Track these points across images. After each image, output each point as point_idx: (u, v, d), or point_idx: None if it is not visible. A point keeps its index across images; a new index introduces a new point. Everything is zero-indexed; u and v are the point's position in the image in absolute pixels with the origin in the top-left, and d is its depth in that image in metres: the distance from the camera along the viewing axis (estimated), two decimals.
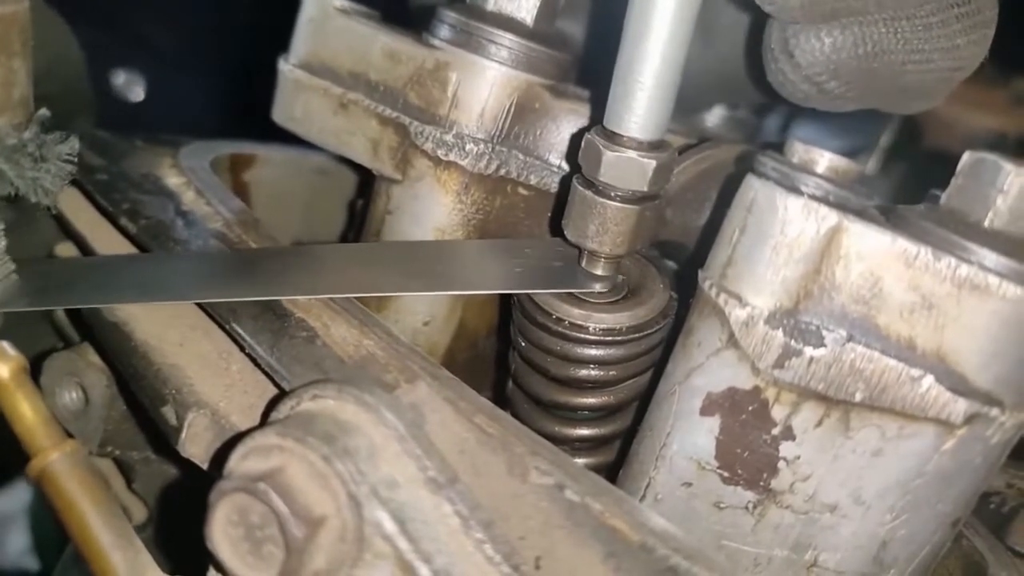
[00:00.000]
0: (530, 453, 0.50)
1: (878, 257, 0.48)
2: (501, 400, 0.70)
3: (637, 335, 0.63)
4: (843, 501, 0.51)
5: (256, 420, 0.56)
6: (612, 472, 0.63)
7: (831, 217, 0.48)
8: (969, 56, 0.60)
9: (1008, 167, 0.48)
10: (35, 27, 0.86)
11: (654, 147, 0.59)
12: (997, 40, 0.63)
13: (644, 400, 0.60)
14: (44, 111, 0.61)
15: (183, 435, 0.57)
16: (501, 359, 0.78)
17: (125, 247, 0.74)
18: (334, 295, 0.62)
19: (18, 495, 1.64)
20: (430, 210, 0.74)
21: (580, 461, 0.65)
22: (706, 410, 0.53)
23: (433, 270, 0.67)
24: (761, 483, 0.53)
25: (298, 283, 0.63)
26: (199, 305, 0.64)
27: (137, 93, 1.65)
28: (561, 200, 0.66)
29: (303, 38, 0.78)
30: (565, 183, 0.70)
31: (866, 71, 0.58)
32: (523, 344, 0.66)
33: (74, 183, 0.76)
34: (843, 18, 0.56)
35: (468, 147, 0.71)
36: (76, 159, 0.63)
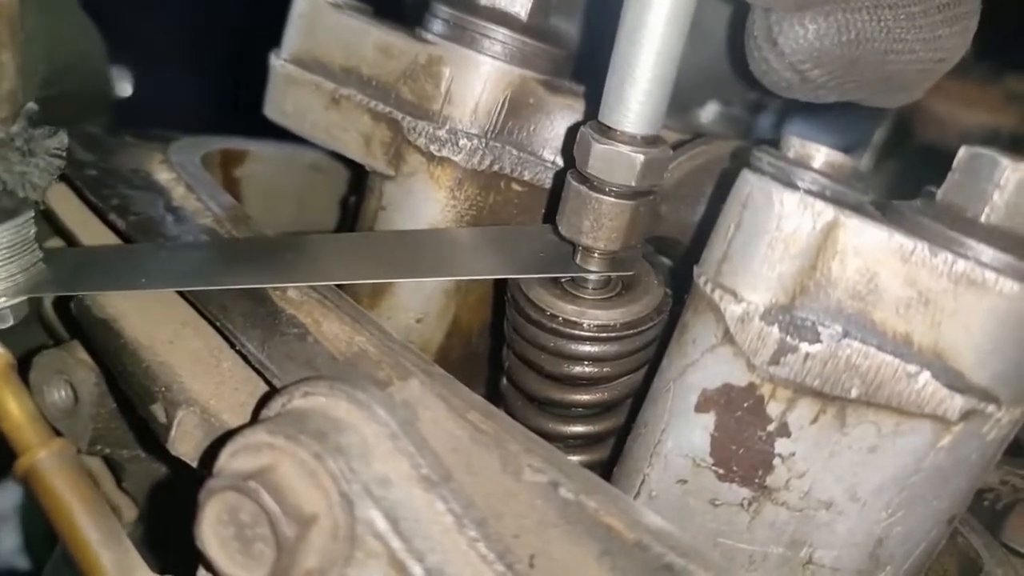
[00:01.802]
0: (524, 450, 0.49)
1: (874, 252, 0.47)
2: (495, 397, 0.70)
3: (631, 331, 0.63)
4: (839, 498, 0.51)
5: (247, 418, 0.56)
6: (607, 469, 0.63)
7: (827, 212, 0.48)
8: (951, 47, 0.60)
9: (1005, 162, 0.48)
10: (61, 25, 0.85)
11: (648, 142, 0.59)
12: (991, 38, 0.62)
13: (639, 397, 0.60)
14: (32, 105, 0.61)
15: (173, 433, 0.56)
16: (495, 356, 0.77)
17: (114, 243, 0.73)
18: (321, 283, 0.62)
19: (9, 495, 1.63)
20: (423, 206, 0.73)
21: (574, 458, 0.64)
22: (701, 407, 0.53)
23: (425, 258, 0.67)
24: (756, 480, 0.52)
25: (287, 272, 0.63)
26: (189, 301, 0.64)
27: (124, 88, 1.64)
28: (555, 196, 0.66)
29: (295, 33, 0.78)
30: (559, 179, 0.69)
31: (849, 59, 0.58)
32: (517, 341, 0.66)
33: (63, 179, 0.76)
34: (826, 5, 0.56)
35: (461, 143, 0.71)
36: (65, 154, 0.62)
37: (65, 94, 0.89)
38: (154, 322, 0.64)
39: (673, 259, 0.73)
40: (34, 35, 0.79)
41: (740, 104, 0.91)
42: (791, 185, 0.49)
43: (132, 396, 0.61)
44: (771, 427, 0.51)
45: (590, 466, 0.64)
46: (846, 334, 0.48)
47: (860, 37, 0.57)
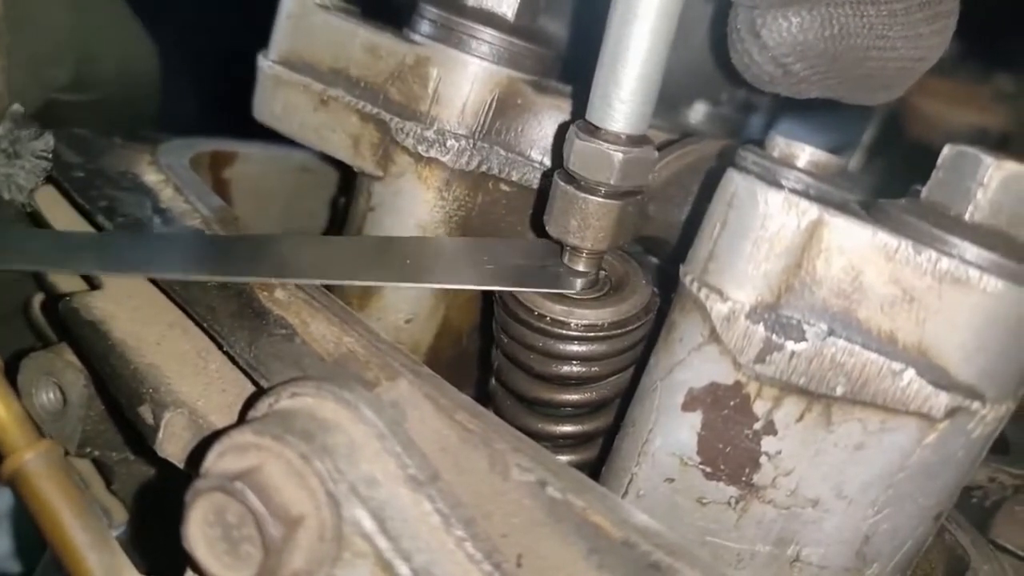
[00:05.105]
0: (512, 450, 0.49)
1: (859, 251, 0.48)
2: (484, 397, 0.70)
3: (619, 331, 0.63)
4: (825, 495, 0.51)
5: (234, 419, 0.56)
6: (595, 469, 0.63)
7: (812, 211, 0.48)
8: (931, 46, 0.61)
9: (988, 160, 0.48)
10: (120, 37, 0.86)
11: (633, 141, 0.59)
12: (981, 37, 0.63)
13: (627, 396, 0.60)
14: (17, 106, 0.60)
15: (160, 435, 0.56)
16: (484, 356, 0.77)
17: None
18: (308, 281, 0.61)
19: (2, 498, 1.62)
20: (412, 206, 0.73)
21: (563, 458, 0.64)
22: (688, 405, 0.53)
23: (410, 264, 0.67)
24: (743, 478, 0.52)
25: (272, 268, 0.63)
26: (177, 303, 0.64)
27: None
28: (543, 196, 0.66)
29: (283, 34, 0.78)
30: (547, 179, 0.69)
31: (831, 54, 0.58)
32: (506, 341, 0.66)
33: (51, 180, 0.76)
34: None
35: (449, 143, 0.71)
36: (51, 155, 0.62)
37: (111, 97, 0.89)
38: (142, 324, 0.64)
39: (661, 258, 0.74)
40: (60, 29, 0.79)
41: (728, 104, 0.92)
42: (776, 184, 0.49)
43: (120, 398, 0.61)
44: (757, 425, 0.51)
45: (579, 466, 0.65)
46: (831, 332, 0.48)
47: (843, 32, 0.57)
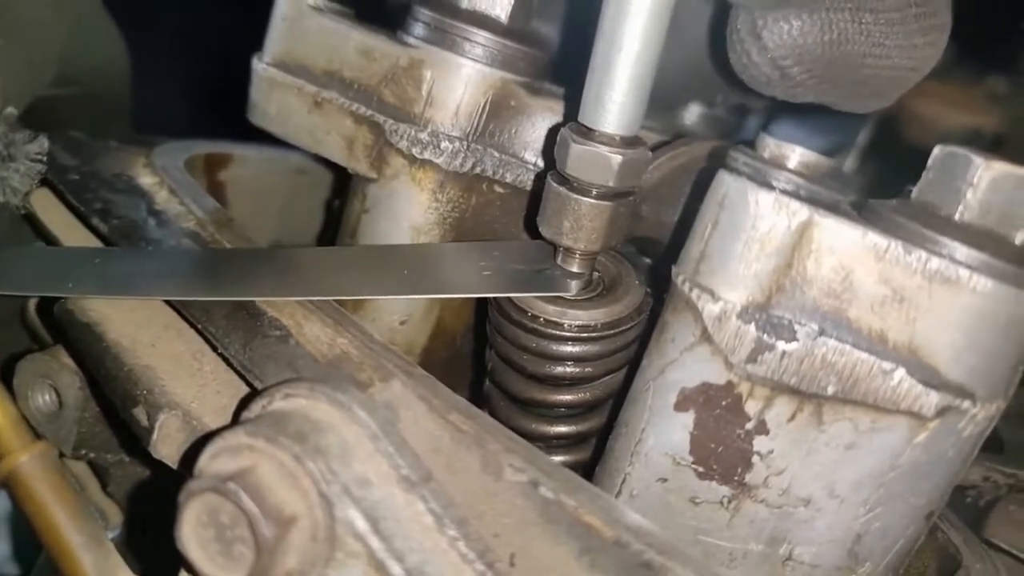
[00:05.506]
0: (505, 450, 0.50)
1: (849, 251, 0.48)
2: (478, 398, 0.70)
3: (612, 331, 0.63)
4: (817, 495, 0.51)
5: (229, 420, 0.56)
6: (589, 469, 0.63)
7: (802, 212, 0.48)
8: (924, 57, 0.61)
9: (977, 160, 0.49)
10: (91, 30, 0.86)
11: (627, 143, 0.59)
12: (975, 40, 0.63)
13: (620, 397, 0.60)
14: (11, 109, 0.60)
15: (154, 436, 0.56)
16: (478, 357, 0.77)
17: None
18: (307, 298, 0.61)
19: (0, 501, 1.62)
20: (406, 208, 0.74)
21: (557, 459, 0.65)
22: (680, 405, 0.53)
23: (408, 273, 0.67)
24: (736, 478, 0.53)
25: (270, 285, 0.63)
26: (171, 304, 0.64)
27: None
28: (536, 197, 0.66)
29: (277, 36, 0.78)
30: (540, 180, 0.69)
31: (828, 59, 0.59)
32: (499, 342, 0.66)
33: (46, 183, 0.76)
34: (810, 3, 0.57)
35: (443, 145, 0.71)
36: (45, 158, 0.62)
37: (89, 95, 0.89)
38: (136, 325, 0.64)
39: (653, 259, 0.74)
40: (47, 30, 0.79)
41: (723, 106, 0.92)
42: (766, 185, 0.50)
43: (115, 400, 0.61)
44: (749, 425, 0.51)
45: (573, 466, 0.65)
46: (822, 332, 0.49)
47: (841, 37, 0.58)
